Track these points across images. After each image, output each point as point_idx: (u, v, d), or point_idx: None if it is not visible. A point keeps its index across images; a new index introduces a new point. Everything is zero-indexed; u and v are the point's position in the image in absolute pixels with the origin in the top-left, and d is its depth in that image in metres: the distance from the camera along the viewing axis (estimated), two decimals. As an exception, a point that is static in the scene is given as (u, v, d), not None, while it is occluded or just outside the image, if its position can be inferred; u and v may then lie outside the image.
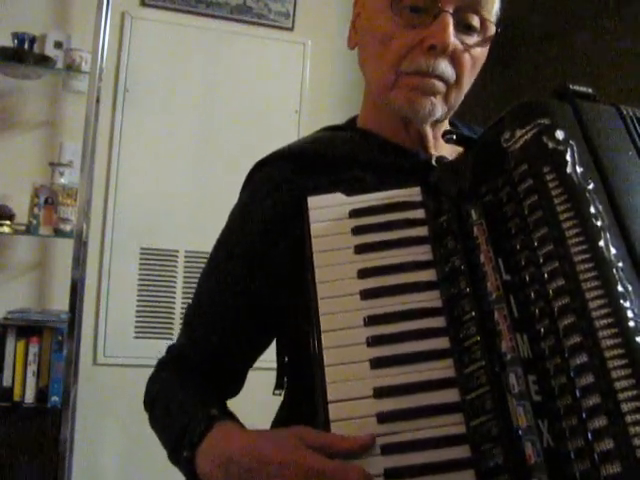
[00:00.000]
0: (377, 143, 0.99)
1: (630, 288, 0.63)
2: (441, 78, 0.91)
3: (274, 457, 0.72)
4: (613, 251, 0.65)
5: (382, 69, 0.94)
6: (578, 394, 0.61)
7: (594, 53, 2.38)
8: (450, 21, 0.88)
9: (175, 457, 0.86)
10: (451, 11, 0.89)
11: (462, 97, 0.97)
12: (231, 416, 0.87)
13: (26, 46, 2.67)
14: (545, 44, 2.62)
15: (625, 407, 0.59)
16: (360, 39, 1.00)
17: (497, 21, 0.95)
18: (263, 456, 0.73)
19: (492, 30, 0.94)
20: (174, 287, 2.97)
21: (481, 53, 0.95)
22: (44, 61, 2.69)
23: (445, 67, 0.91)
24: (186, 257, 2.98)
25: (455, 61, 0.91)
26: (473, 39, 0.92)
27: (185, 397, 0.92)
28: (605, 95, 0.83)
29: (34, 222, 2.61)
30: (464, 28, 0.91)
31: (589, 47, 2.40)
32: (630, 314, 0.62)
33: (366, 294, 0.79)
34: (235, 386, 1.02)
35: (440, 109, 0.93)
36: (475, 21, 0.91)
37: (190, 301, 1.03)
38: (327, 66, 3.14)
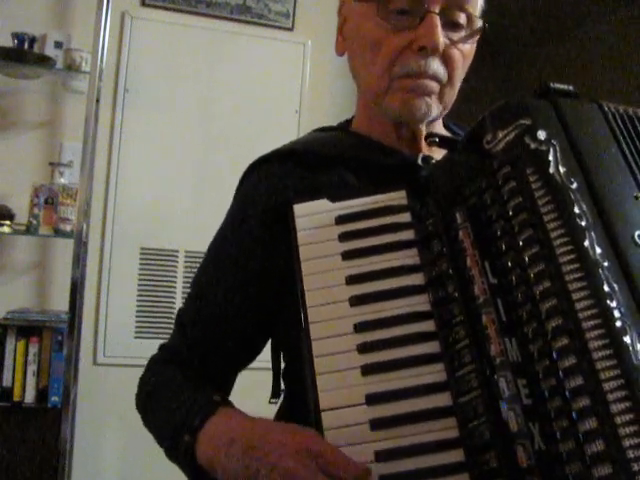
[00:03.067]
0: (365, 143, 0.99)
1: (616, 287, 0.63)
2: (434, 78, 0.91)
3: (275, 436, 0.73)
4: (598, 251, 0.65)
5: (375, 75, 0.94)
6: (568, 396, 0.61)
7: (588, 54, 2.37)
8: (437, 21, 0.89)
9: (174, 445, 0.85)
10: (437, 11, 0.89)
11: (456, 93, 0.97)
12: (231, 405, 0.88)
13: (26, 46, 2.67)
14: (539, 46, 2.62)
15: (615, 408, 0.59)
16: (349, 46, 1.00)
17: (482, 14, 0.95)
18: (265, 434, 0.74)
19: (478, 24, 0.94)
20: (174, 287, 2.97)
21: (470, 48, 0.95)
22: (44, 61, 2.69)
23: (437, 66, 0.91)
24: (186, 257, 2.97)
25: (446, 59, 0.92)
26: (461, 35, 0.93)
27: (184, 388, 0.92)
28: (599, 95, 0.83)
29: (34, 222, 2.61)
30: (451, 25, 0.91)
31: (582, 48, 2.40)
32: (617, 314, 0.62)
33: (355, 300, 0.79)
34: (225, 388, 1.02)
35: (436, 108, 0.94)
36: (462, 18, 0.92)
37: (183, 301, 1.03)
38: (327, 66, 3.13)
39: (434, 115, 0.94)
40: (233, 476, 0.76)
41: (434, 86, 0.92)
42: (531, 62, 2.69)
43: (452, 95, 0.96)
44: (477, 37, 0.96)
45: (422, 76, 0.91)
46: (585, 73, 2.38)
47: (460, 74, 0.95)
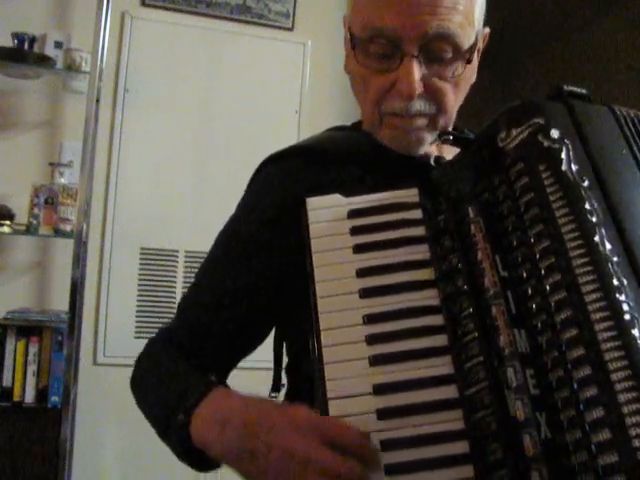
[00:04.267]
0: (378, 143, 0.99)
1: (625, 282, 0.65)
2: (420, 115, 0.92)
3: (270, 414, 0.73)
4: (608, 246, 0.67)
5: (367, 108, 0.96)
6: (575, 386, 0.62)
7: (593, 53, 2.38)
8: (414, 65, 0.88)
9: (167, 425, 0.85)
10: (415, 53, 0.88)
11: (453, 115, 0.97)
12: (227, 386, 0.88)
13: (26, 46, 2.67)
14: (545, 45, 2.62)
15: (622, 398, 0.60)
16: (349, 68, 1.00)
17: (480, 27, 0.94)
18: (260, 412, 0.74)
19: (469, 49, 0.91)
20: (174, 287, 2.97)
21: (463, 74, 0.93)
22: (44, 61, 2.69)
23: (421, 105, 0.91)
24: (186, 257, 2.98)
25: (432, 95, 0.91)
26: (447, 66, 0.91)
27: (180, 369, 0.92)
28: (604, 96, 0.84)
29: (34, 222, 2.61)
30: (437, 58, 0.90)
31: (588, 47, 2.40)
32: (626, 307, 0.63)
33: (365, 293, 0.80)
34: (220, 376, 1.01)
35: (429, 137, 0.95)
36: (446, 49, 0.89)
37: (187, 290, 1.03)
38: (327, 66, 3.14)
39: (428, 142, 0.95)
40: (229, 456, 0.76)
41: (421, 122, 0.93)
42: (533, 65, 2.69)
43: (448, 119, 0.96)
44: (472, 60, 0.93)
45: (407, 116, 0.92)
46: (587, 74, 2.39)
47: (452, 101, 0.94)
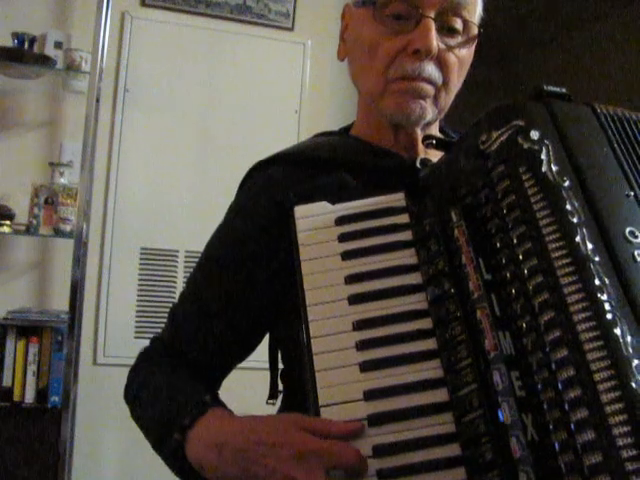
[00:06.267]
0: (364, 147, 1.00)
1: (607, 281, 0.64)
2: (428, 81, 0.93)
3: (268, 438, 0.72)
4: (589, 246, 0.67)
5: (371, 78, 0.96)
6: (560, 387, 0.62)
7: (589, 55, 2.37)
8: (432, 26, 0.90)
9: (163, 442, 0.85)
10: (432, 16, 0.90)
11: (452, 98, 0.99)
12: (223, 405, 0.88)
13: (26, 46, 2.68)
14: (541, 47, 2.62)
15: (605, 398, 0.59)
16: (349, 51, 1.02)
17: (480, 22, 0.96)
18: (257, 437, 0.73)
19: (475, 31, 0.95)
20: (174, 287, 2.97)
21: (467, 54, 0.96)
22: (44, 61, 2.70)
23: (431, 70, 0.92)
24: (186, 257, 2.98)
25: (441, 63, 0.93)
26: (457, 41, 0.94)
27: (175, 384, 0.92)
28: (597, 96, 0.84)
29: (34, 222, 2.62)
30: (447, 31, 0.93)
31: (585, 50, 2.40)
32: (607, 307, 0.63)
33: (354, 299, 0.80)
34: (215, 384, 1.02)
35: (430, 111, 0.95)
36: (457, 23, 0.93)
37: (177, 298, 1.03)
38: (327, 66, 3.14)
39: (429, 118, 0.96)
40: (227, 478, 0.76)
41: (429, 89, 0.94)
42: (531, 64, 2.69)
43: (448, 99, 0.97)
44: (473, 44, 0.97)
45: (417, 79, 0.93)
46: (583, 74, 2.38)
47: (455, 79, 0.96)
